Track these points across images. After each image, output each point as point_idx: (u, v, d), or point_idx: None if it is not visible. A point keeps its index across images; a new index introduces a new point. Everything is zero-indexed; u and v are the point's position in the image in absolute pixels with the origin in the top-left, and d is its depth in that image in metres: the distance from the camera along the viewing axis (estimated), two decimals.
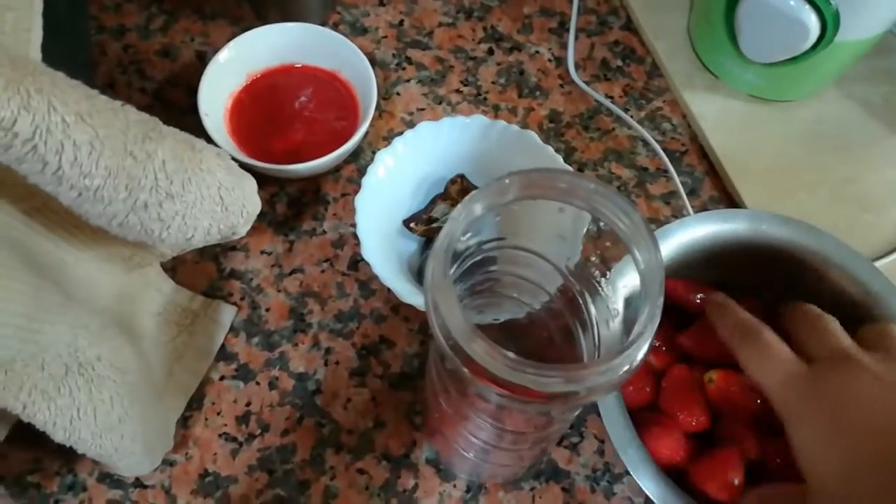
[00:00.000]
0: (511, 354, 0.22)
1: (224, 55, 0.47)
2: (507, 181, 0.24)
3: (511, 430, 0.32)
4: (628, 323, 0.28)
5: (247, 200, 0.35)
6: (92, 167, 0.25)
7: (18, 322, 0.27)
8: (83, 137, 0.24)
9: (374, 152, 0.45)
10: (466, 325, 0.23)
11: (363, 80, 0.48)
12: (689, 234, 0.39)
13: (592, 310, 0.30)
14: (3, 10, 0.35)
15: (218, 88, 0.47)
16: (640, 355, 0.23)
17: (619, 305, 0.28)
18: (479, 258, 0.30)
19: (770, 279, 0.40)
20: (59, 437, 0.32)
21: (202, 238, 0.34)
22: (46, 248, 0.32)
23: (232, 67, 0.48)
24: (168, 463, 0.40)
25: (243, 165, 0.37)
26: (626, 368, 0.23)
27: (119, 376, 0.34)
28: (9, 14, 0.35)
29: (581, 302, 0.30)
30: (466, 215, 0.24)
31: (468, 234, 0.27)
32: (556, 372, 0.22)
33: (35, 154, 0.24)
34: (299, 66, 0.50)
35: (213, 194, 0.33)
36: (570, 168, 0.43)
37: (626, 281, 0.28)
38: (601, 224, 0.26)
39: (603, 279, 0.29)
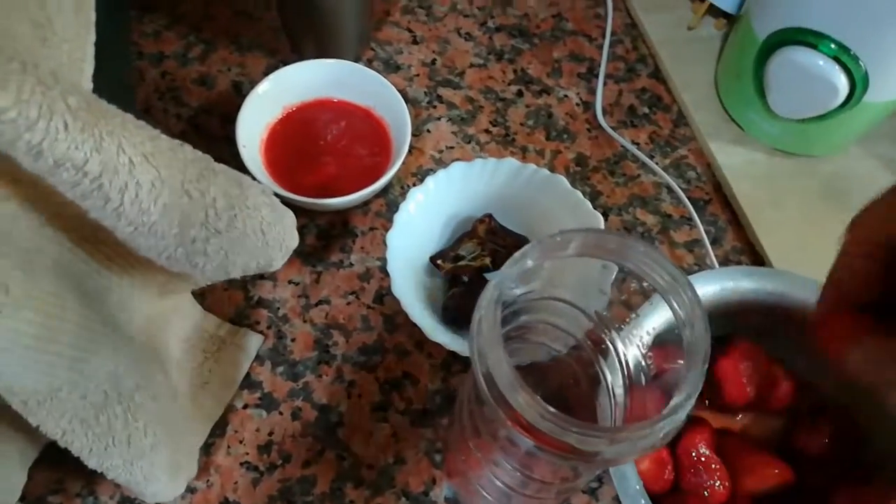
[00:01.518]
0: (554, 410, 0.23)
1: (263, 87, 0.48)
2: (560, 239, 0.25)
3: (538, 478, 0.32)
4: (663, 377, 0.28)
5: (286, 236, 0.36)
6: (151, 204, 0.26)
7: (69, 353, 0.28)
8: (146, 177, 0.25)
9: (403, 187, 0.45)
10: (513, 376, 0.23)
11: (397, 117, 0.49)
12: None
13: (621, 355, 0.31)
14: (60, 41, 0.36)
15: (255, 120, 0.48)
16: (682, 418, 0.23)
17: (649, 350, 0.29)
18: (515, 308, 0.31)
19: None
20: (92, 463, 0.32)
21: (241, 271, 0.35)
22: (90, 275, 0.32)
23: (269, 100, 0.49)
24: (189, 490, 0.41)
25: (280, 198, 0.38)
26: (665, 431, 0.23)
27: (152, 404, 0.34)
28: (65, 45, 0.36)
29: (610, 347, 0.31)
30: (518, 268, 0.25)
31: (512, 287, 0.28)
32: (600, 433, 0.22)
33: (100, 191, 0.24)
34: (335, 100, 0.51)
35: (255, 230, 0.33)
36: (598, 213, 0.44)
37: (653, 324, 0.29)
38: (644, 284, 0.26)
39: (632, 325, 0.30)
